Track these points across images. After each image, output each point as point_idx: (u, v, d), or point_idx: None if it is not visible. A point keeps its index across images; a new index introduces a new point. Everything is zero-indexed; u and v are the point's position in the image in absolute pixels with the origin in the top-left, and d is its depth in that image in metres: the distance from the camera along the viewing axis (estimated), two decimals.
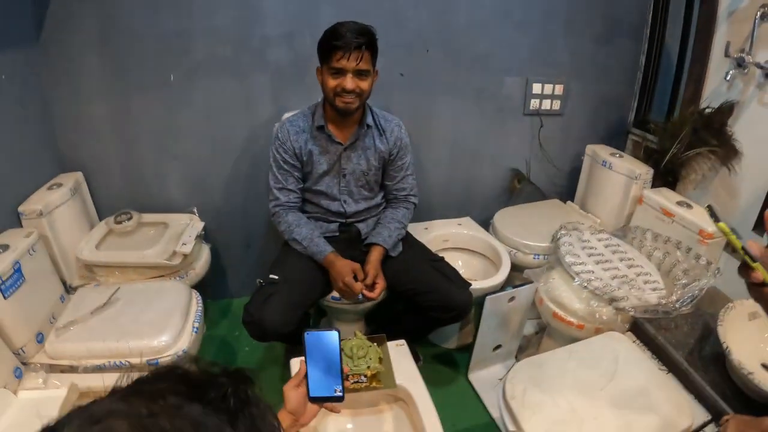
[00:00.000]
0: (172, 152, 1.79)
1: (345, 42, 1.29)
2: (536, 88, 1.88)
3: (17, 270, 1.35)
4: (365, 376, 1.24)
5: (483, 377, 1.70)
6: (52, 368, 1.37)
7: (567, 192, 2.05)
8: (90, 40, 1.59)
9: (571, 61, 1.88)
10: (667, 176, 1.77)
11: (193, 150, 1.79)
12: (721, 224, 0.73)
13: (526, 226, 1.83)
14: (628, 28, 1.91)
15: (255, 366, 1.77)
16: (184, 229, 1.73)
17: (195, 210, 1.83)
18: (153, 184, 1.83)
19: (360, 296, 1.43)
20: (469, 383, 1.69)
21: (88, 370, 1.36)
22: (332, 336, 0.83)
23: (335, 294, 1.50)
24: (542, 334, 1.79)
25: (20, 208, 1.52)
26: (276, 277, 1.40)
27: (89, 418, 0.33)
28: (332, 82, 1.35)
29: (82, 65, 1.62)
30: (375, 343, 1.31)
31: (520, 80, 1.87)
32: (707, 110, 1.70)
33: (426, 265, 1.49)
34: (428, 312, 1.46)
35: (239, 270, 2.01)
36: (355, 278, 1.41)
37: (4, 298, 1.29)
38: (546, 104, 1.91)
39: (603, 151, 1.89)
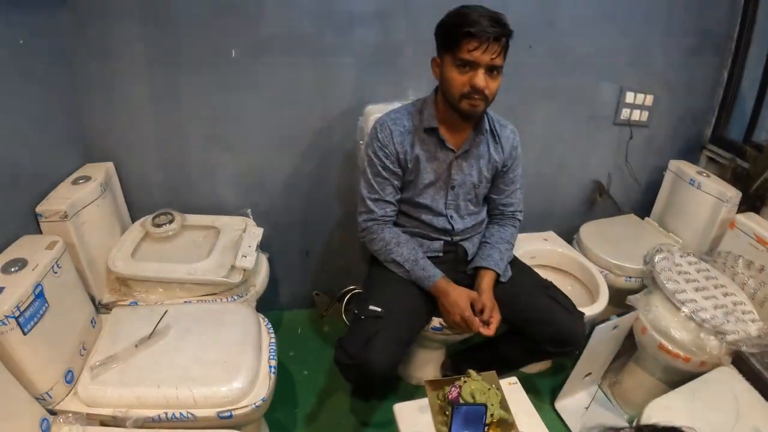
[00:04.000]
0: (224, 142, 1.38)
1: (481, 29, 0.96)
2: (629, 96, 1.60)
3: (39, 295, 0.94)
4: (487, 424, 0.96)
5: (570, 406, 1.46)
6: (90, 419, 0.98)
7: (641, 207, 1.81)
8: (130, 1, 1.15)
9: (664, 71, 1.62)
10: (755, 201, 1.57)
11: (251, 141, 1.39)
12: None
13: (613, 245, 1.57)
14: (715, 40, 1.67)
15: (318, 394, 1.43)
16: (240, 237, 1.34)
17: (249, 212, 1.43)
18: (199, 180, 1.41)
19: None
20: (555, 411, 1.44)
21: (138, 423, 0.97)
22: (479, 410, 0.88)
23: (437, 324, 1.19)
24: (625, 359, 1.57)
25: (39, 208, 1.09)
26: (379, 309, 1.06)
27: None
28: (460, 78, 1.01)
29: (119, 33, 1.20)
30: (493, 385, 1.04)
31: (615, 87, 1.58)
32: None
33: (539, 292, 1.20)
34: (541, 345, 1.17)
35: (293, 279, 1.63)
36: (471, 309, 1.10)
37: (24, 333, 0.90)
38: (636, 115, 1.64)
39: (689, 169, 1.65)
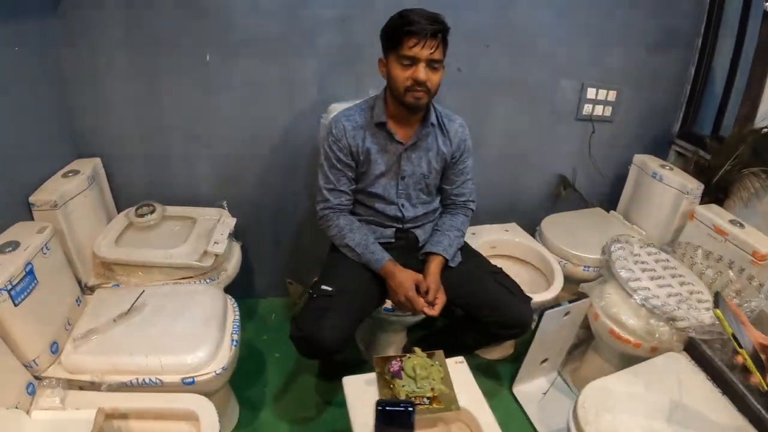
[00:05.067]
0: (202, 140, 1.53)
1: (420, 28, 1.09)
2: (591, 92, 1.70)
3: (29, 272, 1.10)
4: (428, 398, 1.07)
5: (527, 390, 1.55)
6: (71, 384, 1.13)
7: (609, 200, 1.89)
8: (115, 11, 1.33)
9: (626, 67, 1.71)
10: (717, 193, 1.64)
11: (226, 138, 1.54)
12: (717, 311, 0.79)
13: (573, 236, 1.67)
14: (681, 37, 1.75)
15: (287, 375, 1.56)
16: (214, 226, 1.49)
17: (225, 204, 1.58)
18: (179, 174, 1.57)
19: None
20: (513, 396, 1.54)
21: (112, 388, 1.12)
22: (407, 409, 0.82)
23: (389, 305, 1.30)
24: (585, 347, 1.65)
25: (32, 198, 1.25)
26: (329, 288, 1.19)
27: None
28: (403, 74, 1.13)
29: (105, 39, 1.36)
30: (437, 362, 1.14)
31: (576, 83, 1.68)
32: (765, 130, 1.57)
33: (487, 278, 1.30)
34: (487, 327, 1.28)
35: (267, 268, 1.78)
36: (417, 291, 1.21)
37: (15, 305, 1.05)
38: (598, 110, 1.73)
39: (652, 162, 1.73)
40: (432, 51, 1.11)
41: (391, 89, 1.20)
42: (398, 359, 1.13)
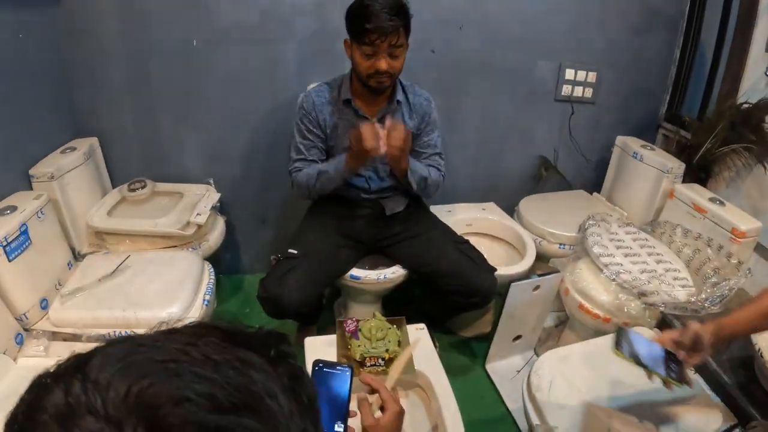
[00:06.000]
0: (190, 121, 1.65)
1: (378, 25, 1.12)
2: (569, 73, 1.73)
3: (23, 232, 1.22)
4: (383, 359, 1.12)
5: (500, 368, 1.57)
6: (55, 336, 1.24)
7: (593, 183, 1.91)
8: (111, 1, 1.46)
9: (606, 49, 1.73)
10: (699, 172, 1.63)
11: (212, 119, 1.65)
12: (617, 352, 0.86)
13: (552, 215, 1.69)
14: (665, 19, 1.77)
15: None
16: (200, 200, 1.59)
17: (211, 181, 1.69)
18: (169, 153, 1.69)
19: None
20: (486, 373, 1.56)
21: (91, 339, 1.23)
22: (344, 373, 0.72)
23: (354, 273, 1.37)
24: (562, 327, 1.66)
25: (31, 171, 1.39)
26: (295, 251, 1.27)
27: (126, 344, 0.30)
28: (365, 63, 1.19)
29: (102, 27, 1.49)
30: (394, 326, 1.19)
31: (553, 65, 1.72)
32: (744, 105, 1.56)
33: (450, 247, 1.35)
34: (450, 296, 1.32)
35: (253, 245, 1.87)
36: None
37: (9, 260, 1.17)
38: (578, 91, 1.76)
39: (634, 143, 1.75)
40: (393, 42, 1.15)
41: (355, 71, 1.27)
42: (354, 320, 1.18)
